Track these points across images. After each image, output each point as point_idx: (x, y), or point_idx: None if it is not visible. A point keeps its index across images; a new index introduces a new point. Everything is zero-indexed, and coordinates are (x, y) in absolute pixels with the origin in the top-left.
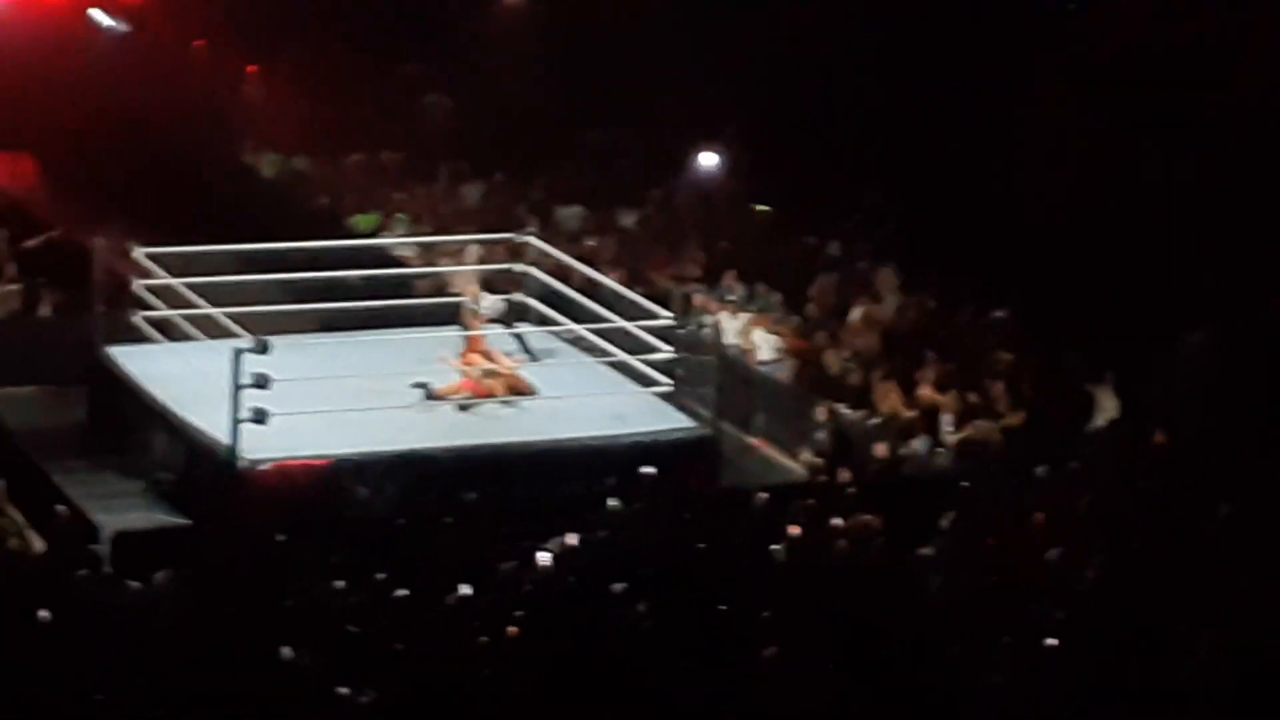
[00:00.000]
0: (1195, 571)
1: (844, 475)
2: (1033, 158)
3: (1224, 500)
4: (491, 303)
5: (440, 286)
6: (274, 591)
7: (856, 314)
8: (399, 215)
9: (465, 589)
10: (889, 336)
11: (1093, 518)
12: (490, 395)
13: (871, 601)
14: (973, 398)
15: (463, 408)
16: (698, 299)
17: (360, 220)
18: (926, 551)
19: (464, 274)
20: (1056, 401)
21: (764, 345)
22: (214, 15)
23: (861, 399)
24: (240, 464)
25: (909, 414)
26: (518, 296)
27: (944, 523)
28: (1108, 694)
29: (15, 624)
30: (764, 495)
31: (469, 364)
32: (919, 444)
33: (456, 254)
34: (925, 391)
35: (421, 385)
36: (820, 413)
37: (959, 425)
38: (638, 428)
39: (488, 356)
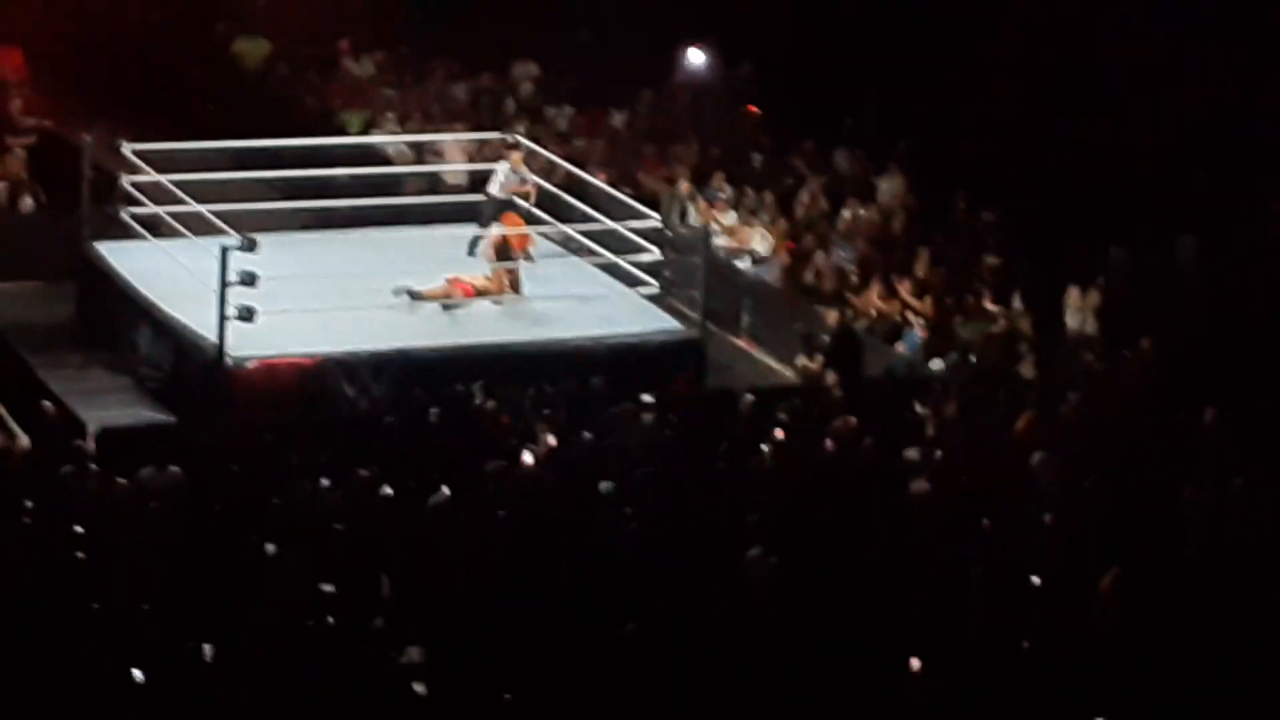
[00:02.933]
0: (1178, 476)
1: (831, 378)
2: (1028, 64)
3: (1209, 404)
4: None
5: (427, 186)
6: (260, 489)
7: (846, 216)
8: (387, 114)
9: (445, 490)
10: (877, 239)
11: (1077, 423)
12: (482, 293)
13: (857, 504)
14: (959, 301)
15: (446, 308)
16: (688, 202)
17: (349, 119)
18: (912, 454)
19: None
20: (1043, 305)
21: (758, 242)
22: None
23: (849, 301)
24: (227, 361)
25: (896, 316)
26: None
27: (930, 426)
28: (1089, 595)
29: (0, 518)
30: (751, 397)
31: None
32: (905, 346)
33: (445, 152)
34: (913, 294)
35: (407, 292)
36: (808, 315)
37: (946, 328)
38: (625, 329)
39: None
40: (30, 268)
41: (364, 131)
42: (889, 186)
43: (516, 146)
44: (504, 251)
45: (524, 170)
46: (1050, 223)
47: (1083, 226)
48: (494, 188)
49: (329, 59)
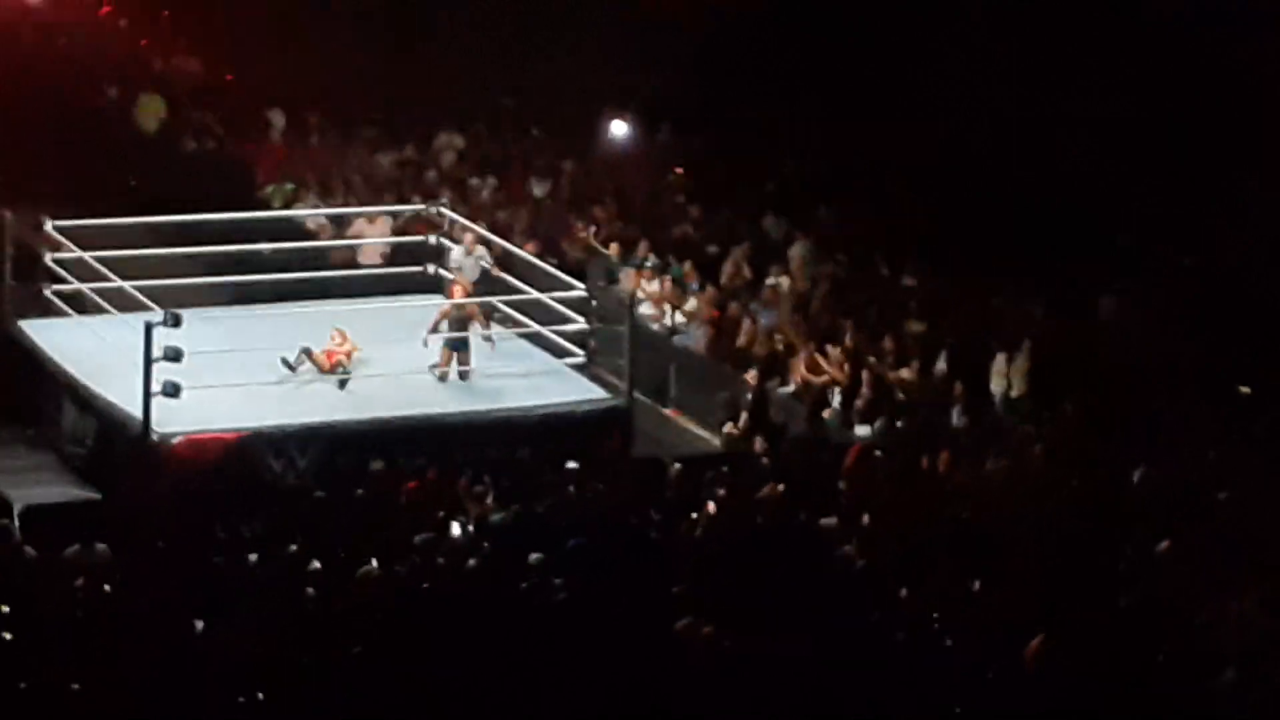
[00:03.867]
0: (1106, 537)
1: (758, 445)
2: (951, 121)
3: (1139, 463)
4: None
5: (352, 259)
6: (187, 564)
7: (770, 284)
8: (301, 185)
9: (373, 563)
10: (802, 307)
11: (1003, 483)
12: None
13: (787, 571)
14: (888, 372)
15: (342, 384)
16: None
17: (273, 192)
18: (832, 521)
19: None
20: (969, 367)
21: (684, 310)
22: None
23: (775, 368)
24: (152, 437)
25: (821, 383)
26: (431, 268)
27: (857, 489)
28: (1017, 659)
29: None
30: (678, 466)
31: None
32: (831, 413)
33: (370, 225)
34: (838, 361)
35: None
36: (734, 383)
37: (870, 393)
38: (552, 399)
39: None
40: None
41: (288, 204)
42: (798, 251)
43: (440, 220)
44: (459, 325)
45: (480, 250)
46: (975, 286)
47: (1006, 289)
48: (466, 274)
49: (253, 130)
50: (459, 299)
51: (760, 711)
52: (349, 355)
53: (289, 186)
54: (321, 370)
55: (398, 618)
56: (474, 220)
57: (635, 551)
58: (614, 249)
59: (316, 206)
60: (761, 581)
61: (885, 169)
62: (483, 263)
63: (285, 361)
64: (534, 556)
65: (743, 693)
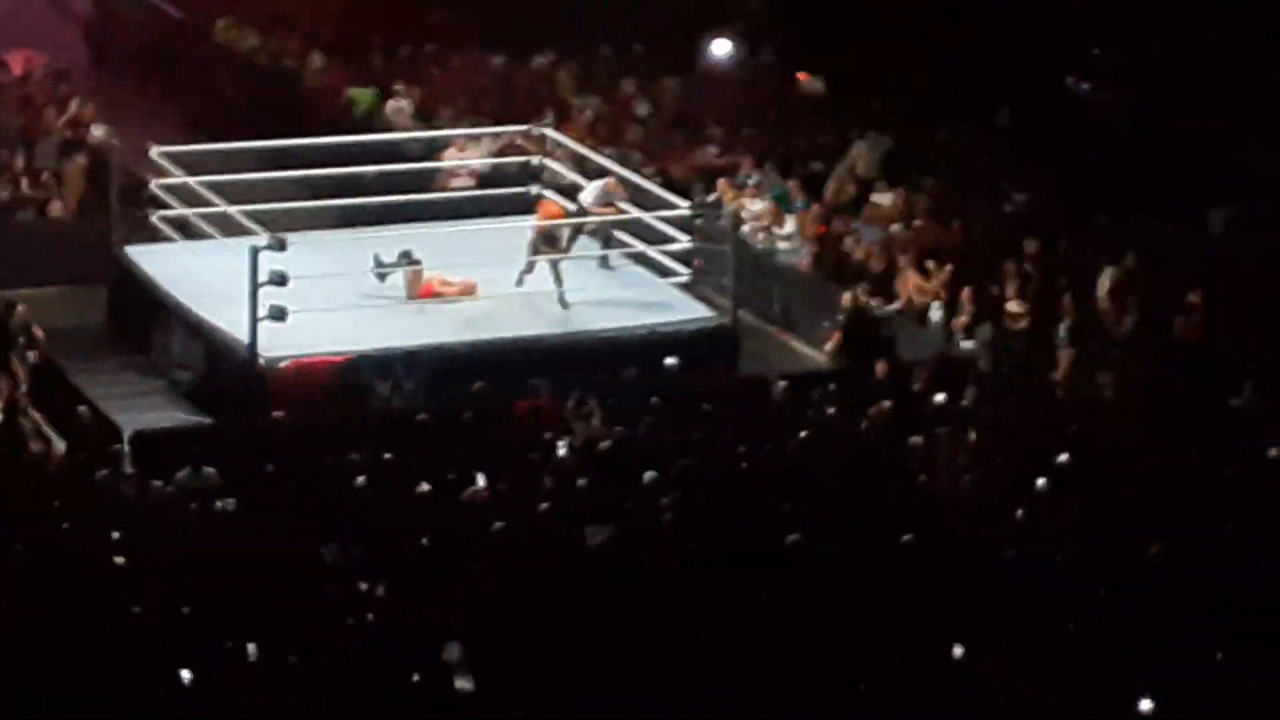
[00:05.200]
0: (1210, 451)
1: (867, 363)
2: (1056, 40)
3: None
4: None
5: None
6: (294, 488)
7: (876, 199)
8: (396, 88)
9: (481, 481)
10: (905, 222)
11: (1113, 399)
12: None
13: (889, 487)
14: (993, 289)
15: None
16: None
17: (356, 95)
18: (943, 435)
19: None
20: (1073, 284)
21: (788, 227)
22: None
23: (880, 285)
24: (259, 362)
25: (926, 299)
26: (534, 189)
27: (963, 404)
28: (1115, 571)
29: (38, 525)
30: (783, 384)
31: None
32: (936, 329)
33: (469, 148)
34: (943, 277)
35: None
36: (839, 300)
37: (979, 309)
38: (656, 319)
39: None
40: (62, 272)
41: (373, 109)
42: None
43: (544, 142)
44: (552, 240)
45: (619, 193)
46: (1079, 202)
47: (1111, 203)
48: (585, 197)
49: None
50: (543, 220)
51: (865, 626)
52: (460, 291)
53: (372, 91)
54: (409, 295)
55: (505, 538)
56: (577, 141)
57: (741, 470)
58: (718, 168)
59: (404, 112)
60: (865, 499)
61: (993, 89)
62: (612, 195)
63: (378, 260)
64: (648, 475)
65: (850, 610)
